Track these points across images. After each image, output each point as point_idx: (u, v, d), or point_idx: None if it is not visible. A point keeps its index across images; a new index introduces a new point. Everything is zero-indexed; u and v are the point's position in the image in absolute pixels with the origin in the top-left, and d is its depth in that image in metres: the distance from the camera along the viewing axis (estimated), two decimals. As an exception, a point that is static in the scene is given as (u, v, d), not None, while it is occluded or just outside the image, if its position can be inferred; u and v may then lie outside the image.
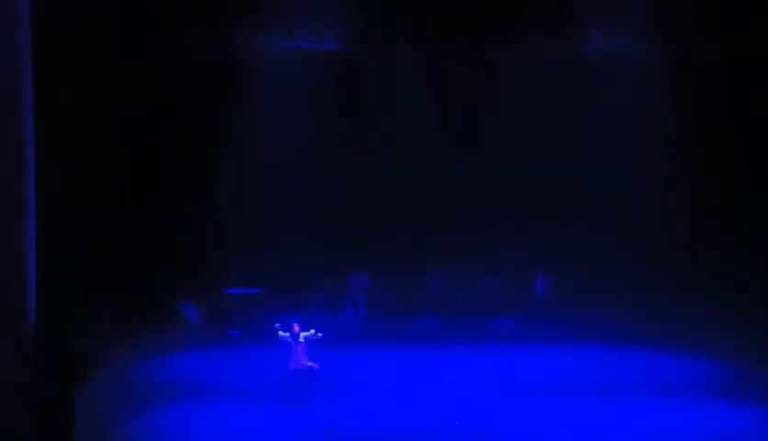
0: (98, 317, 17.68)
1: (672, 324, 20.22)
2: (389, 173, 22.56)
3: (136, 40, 19.28)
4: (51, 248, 15.06)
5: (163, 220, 21.27)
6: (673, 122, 21.26)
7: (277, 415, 16.33)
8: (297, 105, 22.18)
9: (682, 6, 19.29)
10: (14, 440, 13.72)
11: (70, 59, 16.06)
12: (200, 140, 21.87)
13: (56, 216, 15.25)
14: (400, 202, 22.55)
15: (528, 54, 21.11)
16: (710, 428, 15.43)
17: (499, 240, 22.54)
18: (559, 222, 22.07)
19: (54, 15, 15.01)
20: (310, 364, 16.83)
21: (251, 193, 22.17)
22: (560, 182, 22.27)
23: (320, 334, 17.05)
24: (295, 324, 17.06)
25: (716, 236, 20.81)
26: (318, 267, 22.78)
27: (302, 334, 16.97)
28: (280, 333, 17.04)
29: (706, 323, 19.38)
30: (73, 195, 16.70)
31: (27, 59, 14.29)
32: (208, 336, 21.15)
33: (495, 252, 22.70)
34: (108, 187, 19.50)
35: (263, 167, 22.26)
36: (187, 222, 21.66)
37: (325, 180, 22.44)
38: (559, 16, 19.40)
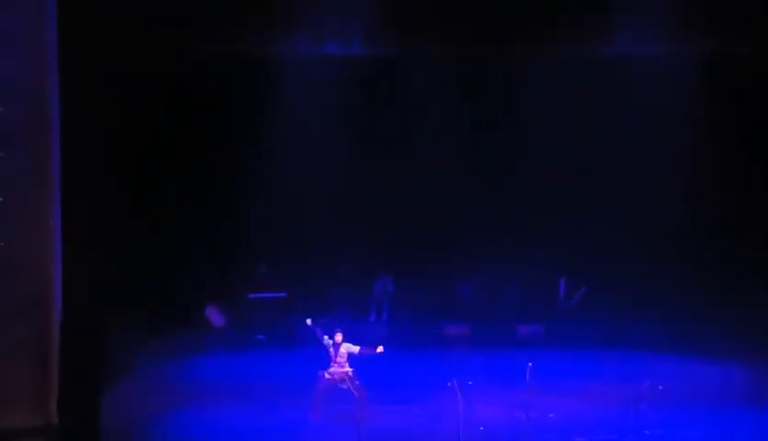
0: (125, 319, 17.74)
1: (701, 330, 20.13)
2: (416, 176, 22.50)
3: (159, 42, 19.31)
4: (78, 249, 15.10)
5: (189, 224, 21.31)
6: (701, 123, 21.13)
7: (301, 418, 16.29)
8: (322, 109, 22.15)
9: (706, 6, 19.17)
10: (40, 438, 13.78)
11: (95, 59, 16.11)
12: (227, 143, 21.90)
13: (82, 218, 15.28)
14: (427, 206, 22.48)
15: (555, 56, 20.99)
16: (740, 434, 15.32)
17: (527, 245, 22.48)
18: (588, 227, 21.93)
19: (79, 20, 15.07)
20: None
21: (277, 196, 22.15)
22: (590, 186, 22.12)
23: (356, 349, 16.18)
24: (338, 333, 16.29)
25: (747, 238, 20.63)
26: (342, 271, 22.79)
27: (345, 345, 16.17)
28: (326, 338, 16.14)
29: (738, 328, 19.29)
30: (100, 196, 16.73)
31: (52, 60, 14.37)
32: (233, 340, 21.21)
33: (522, 257, 22.65)
34: (135, 188, 19.54)
35: (289, 171, 22.25)
36: (214, 226, 21.69)
37: (350, 184, 22.40)
38: (585, 17, 19.30)
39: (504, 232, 22.43)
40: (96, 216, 16.25)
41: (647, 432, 14.72)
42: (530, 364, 14.30)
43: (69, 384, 14.20)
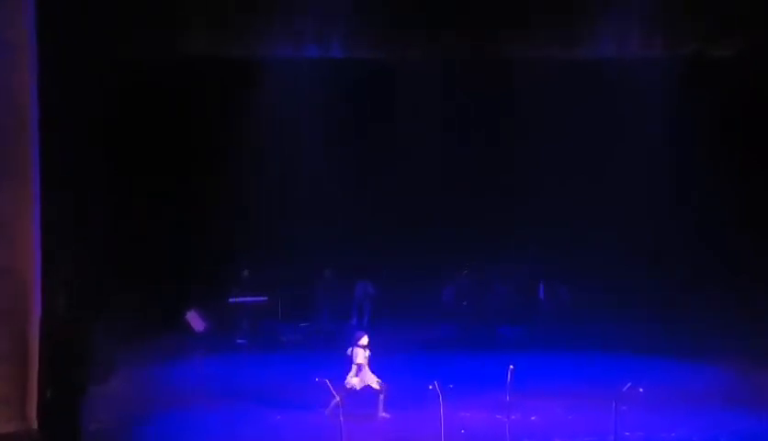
0: (105, 323, 17.67)
1: (683, 332, 20.21)
2: (397, 179, 22.50)
3: (139, 43, 19.24)
4: (58, 252, 15.05)
5: (170, 228, 21.24)
6: (684, 125, 21.21)
7: (281, 422, 16.28)
8: (303, 111, 22.10)
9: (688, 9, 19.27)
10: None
11: (74, 58, 16.07)
12: (209, 146, 21.84)
13: (62, 221, 15.24)
14: (410, 208, 22.47)
15: (541, 56, 20.96)
16: (720, 436, 15.38)
17: (509, 247, 22.49)
18: (571, 229, 21.96)
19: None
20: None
21: (257, 201, 22.09)
22: (575, 188, 22.14)
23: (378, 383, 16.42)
24: (363, 335, 16.54)
25: (730, 239, 20.69)
26: (323, 275, 22.75)
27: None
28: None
29: (720, 330, 19.39)
30: (81, 198, 16.68)
31: (32, 58, 14.33)
32: (213, 344, 21.12)
33: (506, 259, 22.66)
34: (116, 191, 19.46)
35: (269, 175, 22.19)
36: (194, 230, 21.62)
37: (332, 187, 22.35)
38: (571, 17, 19.37)
39: (488, 235, 22.44)
40: (76, 219, 16.22)
41: (627, 434, 14.77)
42: (511, 366, 14.34)
43: (49, 388, 14.15)
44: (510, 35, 19.81)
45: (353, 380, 16.21)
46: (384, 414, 16.32)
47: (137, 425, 15.99)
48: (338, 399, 14.66)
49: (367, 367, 16.39)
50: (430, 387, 14.19)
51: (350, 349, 16.36)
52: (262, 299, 22.16)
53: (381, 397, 16.35)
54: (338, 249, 22.28)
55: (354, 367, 16.26)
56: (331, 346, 20.33)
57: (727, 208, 20.81)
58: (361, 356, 16.31)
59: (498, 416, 15.10)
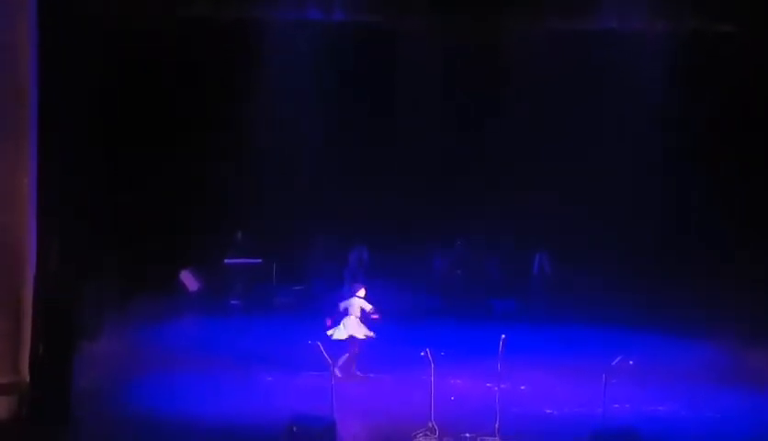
0: (98, 281, 17.71)
1: (674, 306, 20.27)
2: (394, 146, 22.46)
3: (138, 5, 19.15)
4: (52, 212, 15.06)
5: (165, 188, 21.21)
6: (684, 102, 21.16)
7: (273, 385, 16.35)
8: (300, 76, 22.01)
9: None
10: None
11: (74, 21, 16.02)
12: (205, 108, 21.75)
13: (56, 180, 15.23)
14: (406, 176, 22.43)
15: (541, 31, 20.88)
16: (708, 411, 15.48)
17: (502, 219, 22.47)
18: (564, 203, 21.93)
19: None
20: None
21: (253, 164, 22.03)
22: (568, 162, 22.09)
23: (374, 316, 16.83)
24: (360, 287, 16.92)
25: (723, 216, 20.70)
26: (318, 239, 22.76)
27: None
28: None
29: (710, 307, 19.44)
30: (75, 159, 16.66)
31: (32, 21, 14.29)
32: (206, 305, 21.20)
33: (501, 231, 22.65)
34: (110, 152, 19.44)
35: (266, 138, 22.11)
36: (190, 191, 21.58)
37: (329, 152, 22.31)
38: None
39: (483, 206, 22.42)
40: (70, 178, 16.22)
41: (616, 406, 14.85)
42: (503, 336, 14.40)
43: (41, 344, 14.22)
44: (508, 8, 19.77)
45: (339, 329, 16.49)
46: (358, 373, 16.62)
47: (128, 384, 16.06)
48: (330, 361, 14.74)
49: (357, 319, 16.55)
50: (422, 353, 14.26)
51: (344, 302, 16.73)
52: (256, 261, 22.20)
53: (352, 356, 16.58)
54: (334, 214, 22.26)
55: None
56: (324, 310, 20.39)
57: (726, 188, 20.82)
58: (355, 306, 16.56)
59: (488, 385, 15.17)
